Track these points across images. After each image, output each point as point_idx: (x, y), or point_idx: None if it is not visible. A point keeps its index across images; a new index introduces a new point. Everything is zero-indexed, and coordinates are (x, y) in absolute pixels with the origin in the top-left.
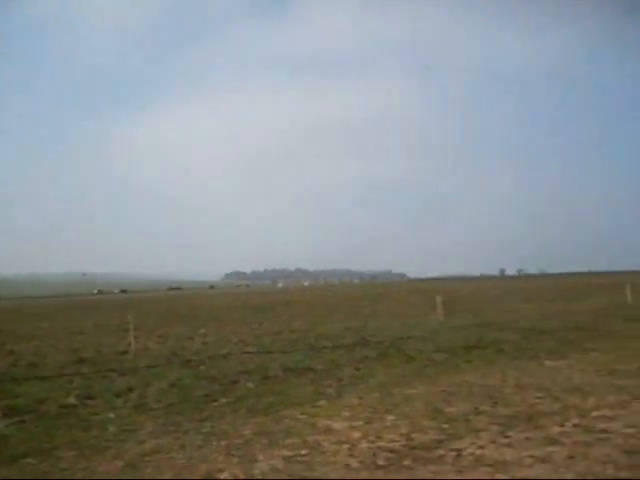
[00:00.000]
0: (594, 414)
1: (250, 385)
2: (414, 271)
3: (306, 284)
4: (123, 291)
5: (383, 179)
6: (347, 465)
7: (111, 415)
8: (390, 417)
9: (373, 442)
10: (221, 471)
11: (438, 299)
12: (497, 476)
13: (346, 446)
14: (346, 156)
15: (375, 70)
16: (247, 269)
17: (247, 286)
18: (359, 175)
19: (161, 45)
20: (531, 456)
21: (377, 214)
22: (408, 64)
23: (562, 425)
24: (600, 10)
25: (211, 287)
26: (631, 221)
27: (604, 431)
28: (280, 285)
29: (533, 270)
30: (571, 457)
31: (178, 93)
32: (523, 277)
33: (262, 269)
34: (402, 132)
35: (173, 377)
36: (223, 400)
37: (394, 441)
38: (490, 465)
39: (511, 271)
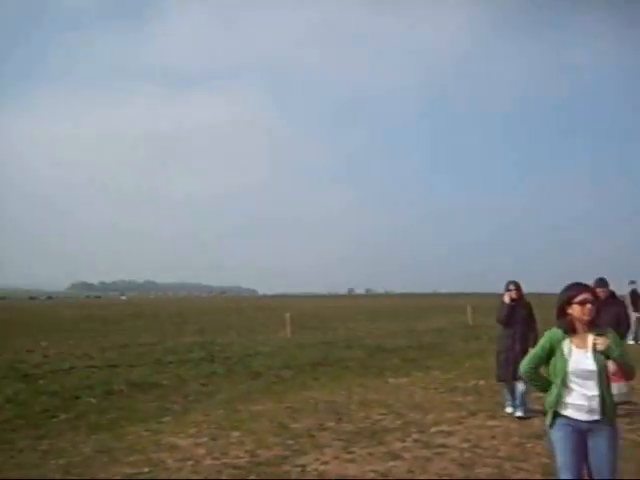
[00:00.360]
0: (433, 430)
1: (92, 400)
2: (264, 287)
3: (152, 296)
4: None
5: (234, 190)
6: None
7: None
8: (236, 433)
9: (218, 459)
10: None
11: (287, 316)
12: None
13: (190, 463)
14: (200, 165)
15: (233, 80)
16: (94, 280)
17: (88, 297)
18: (210, 185)
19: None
20: (373, 471)
21: (228, 227)
22: (266, 75)
23: (403, 440)
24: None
25: (49, 298)
26: (474, 246)
27: (442, 446)
28: (123, 297)
29: (380, 290)
30: (411, 471)
31: (31, 94)
32: (371, 296)
33: (110, 280)
34: (256, 143)
35: (9, 392)
36: (63, 416)
37: (239, 457)
38: None
39: (360, 290)
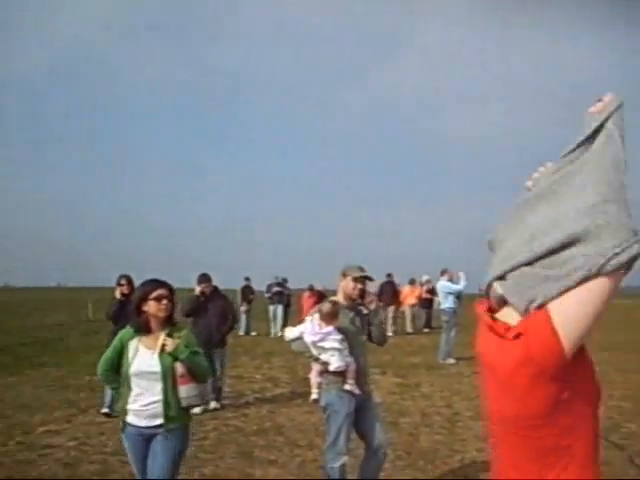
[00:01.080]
0: (40, 430)
1: None
2: None
3: None
4: None
5: None
6: None
7: None
8: None
9: None
10: None
11: None
12: None
13: None
14: None
15: None
16: None
17: None
18: None
19: None
20: None
21: None
22: None
23: (5, 444)
24: None
25: None
26: (100, 235)
27: (48, 446)
28: None
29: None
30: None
31: None
32: None
33: None
34: None
35: None
36: None
37: None
38: None
39: None
